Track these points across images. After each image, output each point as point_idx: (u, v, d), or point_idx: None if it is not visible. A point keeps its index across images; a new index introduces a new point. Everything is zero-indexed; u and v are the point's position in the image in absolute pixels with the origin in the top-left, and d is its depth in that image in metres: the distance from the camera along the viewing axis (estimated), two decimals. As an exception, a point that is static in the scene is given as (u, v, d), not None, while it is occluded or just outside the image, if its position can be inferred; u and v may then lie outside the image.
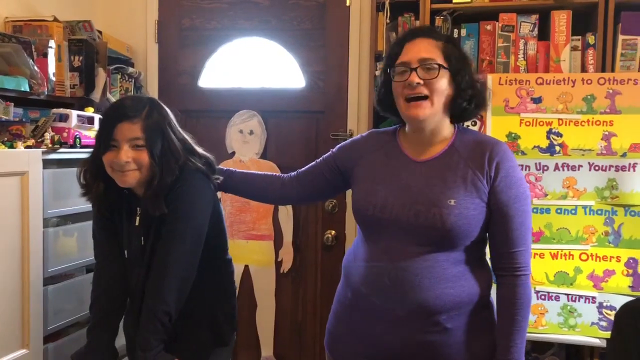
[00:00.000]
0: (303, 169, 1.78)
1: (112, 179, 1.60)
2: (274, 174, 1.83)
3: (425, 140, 1.53)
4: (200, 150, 1.70)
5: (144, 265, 1.63)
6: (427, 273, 1.44)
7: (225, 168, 1.84)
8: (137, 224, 1.66)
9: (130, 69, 2.70)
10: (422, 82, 1.45)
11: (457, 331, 1.47)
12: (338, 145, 1.73)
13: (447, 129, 1.53)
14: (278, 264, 2.77)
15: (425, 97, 1.46)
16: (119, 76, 2.61)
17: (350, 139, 1.72)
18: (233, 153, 2.77)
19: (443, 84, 1.46)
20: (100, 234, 1.72)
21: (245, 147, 2.74)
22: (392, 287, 1.45)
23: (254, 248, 2.77)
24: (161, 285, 1.54)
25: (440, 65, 1.45)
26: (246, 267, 2.79)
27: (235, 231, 2.78)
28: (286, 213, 2.74)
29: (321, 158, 1.75)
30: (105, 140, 1.56)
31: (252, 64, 2.79)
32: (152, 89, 2.84)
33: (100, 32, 2.60)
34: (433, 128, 1.51)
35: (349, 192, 1.81)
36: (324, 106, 2.69)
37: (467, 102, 1.50)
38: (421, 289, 1.43)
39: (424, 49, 1.48)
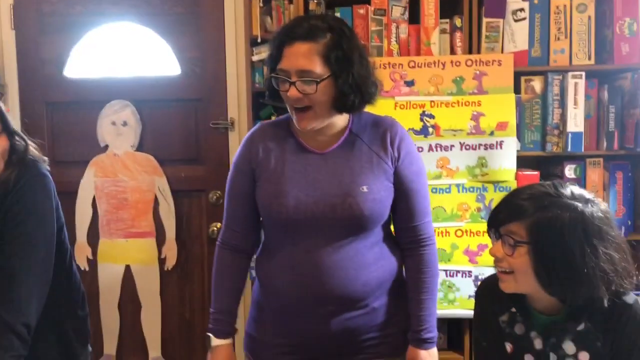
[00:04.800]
0: (234, 221, 1.58)
1: None
2: (234, 262, 1.60)
3: (322, 133, 1.50)
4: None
5: None
6: (351, 264, 1.46)
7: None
8: None
9: (-17, 59, 2.45)
10: (301, 95, 1.41)
11: (381, 309, 1.53)
12: (233, 163, 1.59)
13: (341, 120, 1.51)
14: (162, 262, 2.64)
15: (309, 107, 1.43)
16: (-32, 66, 2.36)
17: (242, 143, 1.60)
18: (106, 147, 2.59)
19: (324, 94, 1.41)
20: None
21: (119, 139, 2.58)
22: (321, 286, 1.45)
23: (135, 246, 2.62)
24: (16, 295, 1.39)
25: (317, 81, 1.39)
26: (127, 267, 2.64)
27: (113, 230, 2.61)
28: (167, 208, 2.61)
29: (233, 193, 1.57)
30: None
31: (123, 51, 2.61)
32: (11, 79, 2.58)
33: (-58, 17, 2.34)
34: (325, 125, 1.48)
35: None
36: (201, 94, 2.59)
37: (350, 102, 1.44)
38: (349, 281, 1.46)
39: (302, 58, 1.40)
